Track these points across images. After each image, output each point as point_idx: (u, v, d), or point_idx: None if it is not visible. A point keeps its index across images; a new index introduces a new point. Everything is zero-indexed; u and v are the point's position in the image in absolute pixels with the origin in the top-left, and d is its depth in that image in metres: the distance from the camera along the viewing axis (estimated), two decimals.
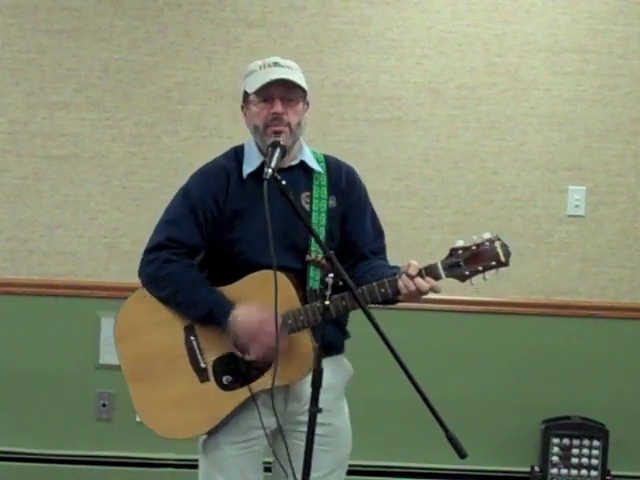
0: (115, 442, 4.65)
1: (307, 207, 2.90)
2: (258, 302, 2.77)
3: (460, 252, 2.73)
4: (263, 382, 2.82)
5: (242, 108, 2.95)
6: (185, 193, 2.94)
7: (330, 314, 2.69)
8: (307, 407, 2.79)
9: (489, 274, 2.73)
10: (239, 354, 2.83)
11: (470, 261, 2.72)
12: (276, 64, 2.87)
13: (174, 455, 4.58)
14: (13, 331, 4.65)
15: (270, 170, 2.67)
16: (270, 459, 3.00)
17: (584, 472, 4.59)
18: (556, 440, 4.59)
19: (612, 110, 4.68)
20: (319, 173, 2.96)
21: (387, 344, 2.50)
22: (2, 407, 4.66)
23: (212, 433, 2.92)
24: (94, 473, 4.64)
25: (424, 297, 2.76)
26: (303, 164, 2.95)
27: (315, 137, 4.52)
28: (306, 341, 2.81)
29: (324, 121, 4.61)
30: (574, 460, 4.59)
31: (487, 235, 2.74)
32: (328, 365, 2.77)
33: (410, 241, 4.64)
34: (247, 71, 2.92)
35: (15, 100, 4.66)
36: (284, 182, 2.68)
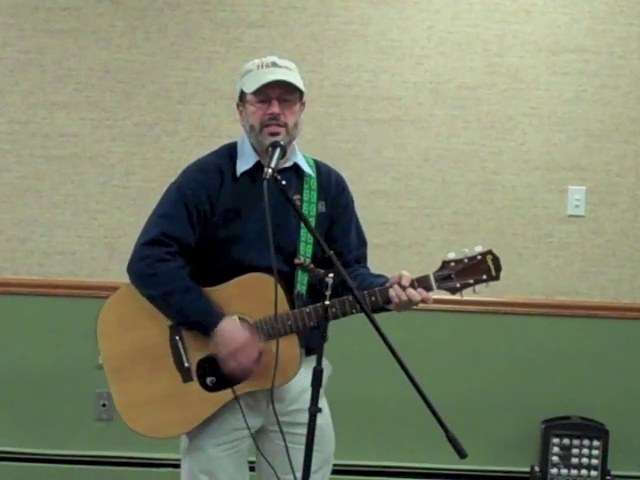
0: (115, 442, 4.64)
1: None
2: (243, 306, 2.77)
3: (452, 265, 2.78)
4: (247, 385, 2.82)
5: (238, 106, 2.94)
6: (179, 188, 2.91)
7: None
8: (290, 408, 2.82)
9: (479, 287, 2.79)
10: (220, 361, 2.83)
11: (462, 274, 2.78)
12: (274, 64, 2.87)
13: (174, 455, 4.54)
14: (13, 331, 4.65)
15: (270, 170, 2.67)
16: (254, 458, 3.01)
17: (584, 472, 4.59)
18: (556, 440, 4.59)
19: (612, 110, 4.68)
20: (310, 176, 2.96)
21: (387, 344, 2.50)
22: (2, 407, 4.66)
23: (195, 435, 2.91)
24: (94, 473, 4.64)
25: (414, 307, 2.79)
26: (296, 167, 2.95)
27: (315, 137, 4.53)
28: (292, 346, 2.81)
29: (324, 121, 4.61)
30: (574, 460, 4.59)
31: (479, 248, 2.79)
32: (308, 366, 2.78)
33: (410, 241, 4.63)
34: (244, 70, 2.91)
35: (15, 100, 4.66)
36: (284, 182, 2.68)
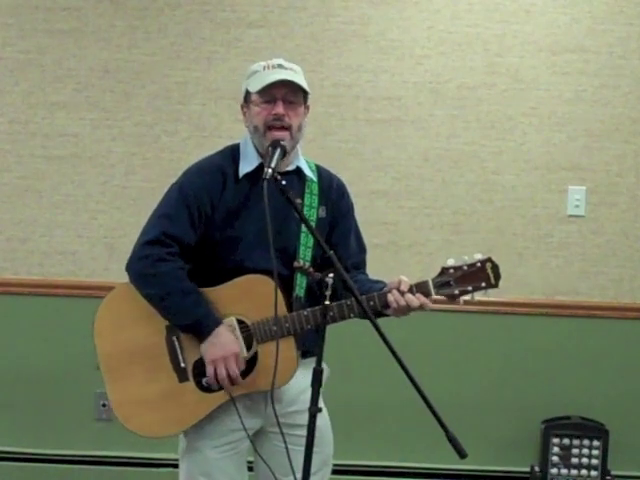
0: (115, 442, 4.64)
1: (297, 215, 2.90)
2: (240, 307, 2.78)
3: (451, 271, 2.79)
4: (244, 387, 2.82)
5: (242, 108, 2.94)
6: (180, 189, 2.90)
7: (311, 324, 2.72)
8: (288, 409, 2.82)
9: (478, 294, 2.79)
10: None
11: (460, 281, 2.78)
12: (280, 66, 2.87)
13: (174, 455, 4.53)
14: (13, 331, 4.65)
15: (270, 170, 2.67)
16: (252, 458, 3.01)
17: (584, 472, 4.59)
18: (556, 440, 4.59)
19: (612, 110, 4.68)
20: (312, 181, 2.95)
21: (387, 344, 2.51)
22: (2, 407, 4.66)
23: (192, 437, 2.91)
24: (94, 473, 4.64)
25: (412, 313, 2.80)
26: (298, 170, 2.94)
27: (315, 137, 4.53)
28: (289, 348, 2.80)
29: (324, 121, 4.61)
30: (574, 460, 4.59)
31: (479, 256, 2.80)
32: (305, 367, 2.78)
33: (410, 241, 4.63)
34: (250, 71, 2.91)
35: (15, 100, 4.66)
36: (284, 182, 2.68)
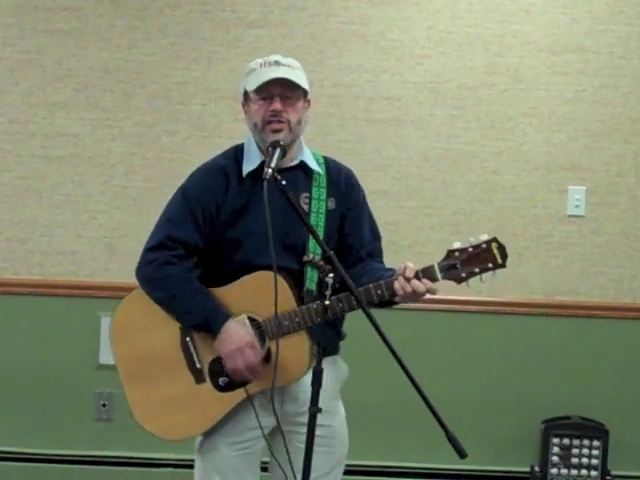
0: (115, 442, 4.64)
1: (306, 208, 2.89)
2: (252, 304, 2.78)
3: (457, 254, 2.74)
4: (259, 384, 2.82)
5: (243, 106, 2.95)
6: (184, 193, 2.93)
7: (329, 315, 2.69)
8: (305, 408, 2.80)
9: (486, 276, 2.74)
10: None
11: (467, 263, 2.73)
12: (277, 63, 2.87)
13: (174, 455, 4.57)
14: (13, 331, 4.66)
15: (270, 170, 2.67)
16: (267, 459, 2.99)
17: (584, 472, 4.59)
18: (556, 440, 4.59)
19: (612, 110, 4.68)
20: (319, 174, 2.95)
21: (387, 344, 2.50)
22: (2, 407, 4.66)
23: (209, 434, 2.91)
24: (94, 473, 4.64)
25: (421, 298, 2.75)
26: (303, 165, 2.94)
27: (315, 137, 4.52)
28: (302, 342, 2.80)
29: (324, 121, 4.61)
30: (574, 460, 4.59)
31: (484, 237, 2.74)
32: (326, 367, 2.78)
33: (410, 241, 4.64)
34: (248, 69, 2.91)
35: (15, 100, 4.66)
36: (284, 182, 2.68)
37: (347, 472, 4.67)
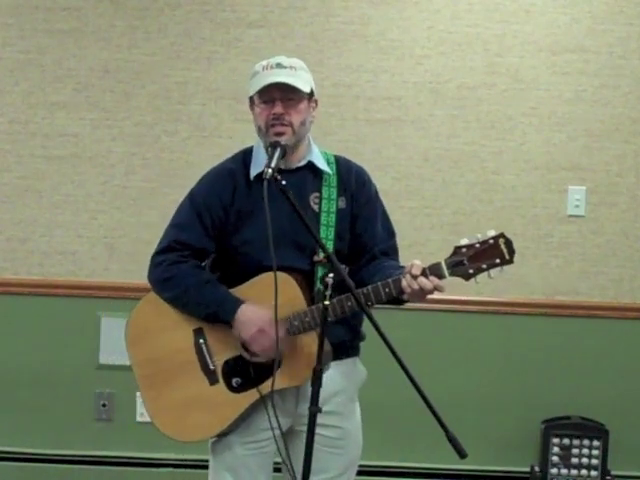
0: (115, 442, 4.64)
1: (316, 208, 2.89)
2: (265, 303, 2.77)
3: (464, 250, 2.70)
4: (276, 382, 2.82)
5: (250, 109, 2.96)
6: (192, 197, 2.95)
7: (329, 315, 2.69)
8: (323, 408, 2.79)
9: (494, 272, 2.70)
10: (246, 356, 2.83)
11: (474, 259, 2.69)
12: (279, 65, 2.88)
13: (174, 455, 4.58)
14: (13, 331, 4.65)
15: (270, 170, 2.67)
16: (280, 459, 2.97)
17: (584, 472, 4.59)
18: (556, 440, 4.59)
19: (612, 110, 4.68)
20: (328, 174, 2.95)
21: (387, 344, 2.50)
22: (2, 407, 4.66)
23: (223, 434, 2.91)
24: (94, 473, 4.64)
25: (429, 296, 2.74)
26: (311, 165, 2.94)
27: (315, 137, 4.48)
28: (311, 344, 2.78)
29: (324, 121, 4.60)
30: (574, 460, 4.59)
31: (491, 232, 2.71)
32: (339, 368, 2.79)
33: (410, 241, 4.63)
34: (252, 72, 2.92)
35: (15, 100, 4.66)
36: (284, 182, 2.68)
37: None
